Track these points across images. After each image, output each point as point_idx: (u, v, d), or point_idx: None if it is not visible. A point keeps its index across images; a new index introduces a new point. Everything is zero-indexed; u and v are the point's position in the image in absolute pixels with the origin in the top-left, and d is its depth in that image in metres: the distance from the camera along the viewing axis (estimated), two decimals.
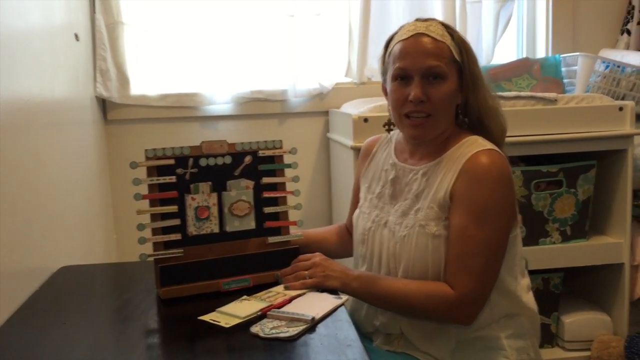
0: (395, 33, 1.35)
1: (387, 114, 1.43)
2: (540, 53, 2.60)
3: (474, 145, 1.29)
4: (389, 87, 1.35)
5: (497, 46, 2.50)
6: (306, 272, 1.29)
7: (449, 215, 1.27)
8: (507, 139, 1.37)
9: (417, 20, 1.34)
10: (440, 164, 1.31)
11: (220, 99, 2.33)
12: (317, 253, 1.34)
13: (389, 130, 1.46)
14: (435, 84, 1.28)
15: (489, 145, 1.29)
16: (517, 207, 1.33)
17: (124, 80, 2.26)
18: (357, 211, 1.47)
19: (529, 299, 1.36)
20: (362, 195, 1.47)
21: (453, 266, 1.24)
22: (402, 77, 1.31)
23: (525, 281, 1.37)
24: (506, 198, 1.26)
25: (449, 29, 1.32)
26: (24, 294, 1.31)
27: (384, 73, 1.39)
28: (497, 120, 1.35)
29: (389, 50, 1.35)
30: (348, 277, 1.29)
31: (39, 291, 1.36)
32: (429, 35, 1.29)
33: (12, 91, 1.35)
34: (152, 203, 1.27)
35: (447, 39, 1.30)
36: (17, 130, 1.36)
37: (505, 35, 2.53)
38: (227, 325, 1.11)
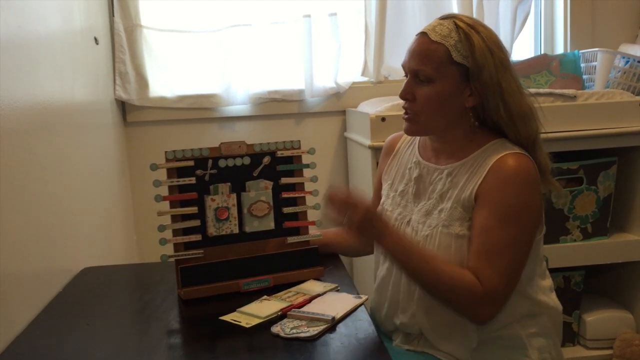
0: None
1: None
2: (559, 49, 2.58)
3: (502, 148, 1.28)
4: None
5: (515, 43, 2.48)
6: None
7: (473, 214, 1.26)
8: None
9: (440, 17, 1.33)
10: (466, 165, 1.30)
11: (237, 99, 2.34)
12: (366, 202, 1.26)
13: None
14: (422, 86, 1.29)
15: (516, 148, 1.28)
16: (543, 212, 1.32)
17: (142, 82, 2.28)
18: (379, 208, 1.46)
19: (551, 298, 1.35)
20: (384, 192, 1.47)
21: (477, 263, 1.22)
22: (404, 73, 1.35)
23: (547, 282, 1.36)
24: (532, 202, 1.26)
25: (464, 29, 1.27)
26: (48, 296, 1.33)
27: None
28: (524, 126, 1.30)
29: None
30: (384, 236, 1.24)
31: (61, 293, 1.38)
32: (427, 36, 1.28)
33: (34, 95, 1.37)
34: (172, 204, 1.28)
35: (450, 40, 1.26)
36: (39, 133, 1.38)
37: (523, 31, 2.51)
38: (248, 325, 1.12)
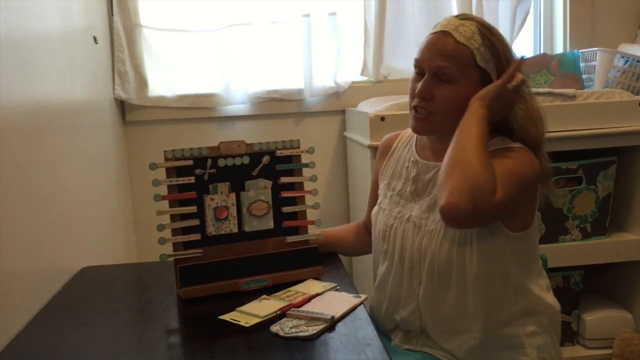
0: (437, 24, 1.35)
1: (404, 112, 1.43)
2: (558, 49, 2.58)
3: (502, 143, 1.29)
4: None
5: (514, 42, 2.48)
6: None
7: None
8: None
9: (457, 16, 1.33)
10: None
11: (237, 99, 2.34)
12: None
13: None
14: (443, 85, 1.28)
15: (518, 144, 1.28)
16: (536, 210, 1.32)
17: (142, 82, 2.28)
18: (376, 207, 1.46)
19: (549, 297, 1.35)
20: (381, 191, 1.47)
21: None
22: (418, 70, 1.32)
23: (544, 281, 1.36)
24: (532, 178, 1.25)
25: (485, 33, 1.28)
26: (47, 295, 1.33)
27: None
28: (534, 128, 1.31)
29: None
30: (480, 105, 1.24)
31: (61, 292, 1.38)
32: (452, 36, 1.27)
33: (33, 94, 1.37)
34: (172, 204, 1.28)
35: (475, 43, 1.26)
36: (37, 133, 1.38)
37: (522, 31, 2.51)
38: (247, 325, 1.12)
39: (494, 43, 1.28)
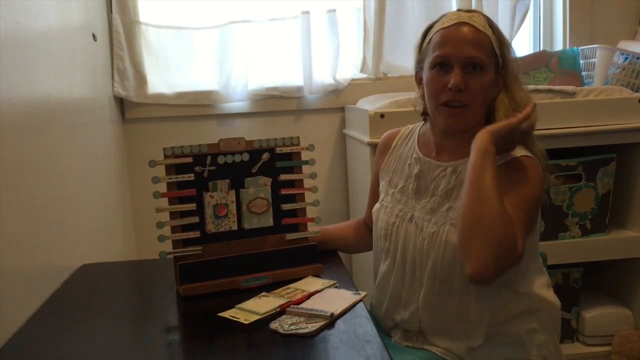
0: (436, 22, 1.34)
1: (403, 109, 1.42)
2: (558, 46, 2.57)
3: (507, 154, 1.28)
4: (425, 75, 1.33)
5: (514, 40, 2.48)
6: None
7: None
8: None
9: (460, 10, 1.34)
10: None
11: (236, 96, 2.34)
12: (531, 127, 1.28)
13: (425, 120, 1.44)
14: (475, 74, 1.28)
15: (521, 151, 1.28)
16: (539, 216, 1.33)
17: (141, 79, 2.28)
18: (377, 205, 1.46)
19: (549, 294, 1.35)
20: (382, 189, 1.47)
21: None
22: (441, 65, 1.30)
23: (544, 279, 1.36)
24: (537, 202, 1.26)
25: (491, 23, 1.32)
26: (46, 292, 1.33)
27: (420, 61, 1.37)
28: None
29: (427, 38, 1.35)
30: (490, 141, 1.22)
31: (60, 289, 1.37)
32: (471, 25, 1.28)
33: (31, 91, 1.36)
34: (171, 201, 1.28)
35: (489, 31, 1.29)
36: (36, 130, 1.38)
37: (522, 28, 2.50)
38: (247, 322, 1.12)
39: (499, 33, 1.32)
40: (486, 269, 1.14)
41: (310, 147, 1.38)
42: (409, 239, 1.34)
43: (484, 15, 1.33)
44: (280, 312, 1.15)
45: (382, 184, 1.47)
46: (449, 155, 1.34)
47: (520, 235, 1.18)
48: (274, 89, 2.38)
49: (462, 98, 1.28)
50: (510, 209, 1.18)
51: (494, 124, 1.26)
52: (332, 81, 2.39)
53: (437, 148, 1.37)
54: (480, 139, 1.22)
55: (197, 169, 1.29)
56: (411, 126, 1.48)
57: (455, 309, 1.29)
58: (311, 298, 1.21)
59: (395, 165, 1.45)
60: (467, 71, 1.27)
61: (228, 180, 1.31)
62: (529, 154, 1.28)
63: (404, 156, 1.44)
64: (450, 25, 1.30)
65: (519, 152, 1.29)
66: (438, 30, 1.31)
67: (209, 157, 1.30)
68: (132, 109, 2.32)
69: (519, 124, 1.25)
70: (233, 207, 1.31)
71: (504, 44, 1.32)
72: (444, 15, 1.34)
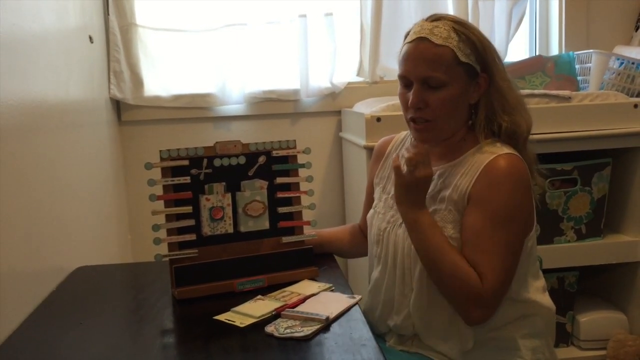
0: (410, 30, 1.34)
1: (399, 113, 1.42)
2: (554, 50, 2.58)
3: (493, 148, 1.28)
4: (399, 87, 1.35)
5: (510, 44, 2.48)
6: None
7: (464, 214, 1.26)
8: None
9: (427, 19, 1.31)
10: (457, 167, 1.30)
11: (232, 99, 2.34)
12: (429, 175, 1.27)
13: None
14: (434, 91, 1.27)
15: (507, 149, 1.28)
16: (535, 213, 1.33)
17: (137, 81, 2.28)
18: (371, 211, 1.46)
19: (544, 298, 1.35)
20: (376, 195, 1.47)
21: (473, 261, 1.22)
22: (404, 83, 1.31)
23: (540, 282, 1.36)
24: (523, 203, 1.26)
25: (458, 29, 1.27)
26: (41, 295, 1.32)
27: None
28: (522, 116, 1.32)
29: (401, 48, 1.35)
30: (413, 211, 1.26)
31: (55, 292, 1.37)
32: (429, 40, 1.26)
33: (28, 93, 1.36)
34: (167, 204, 1.28)
35: (452, 41, 1.26)
36: (32, 132, 1.37)
37: (518, 32, 2.51)
38: (242, 325, 1.11)
39: (469, 37, 1.28)
40: (469, 316, 1.24)
41: (307, 150, 1.38)
42: (398, 244, 1.34)
43: (452, 22, 1.28)
44: (276, 315, 1.15)
45: (376, 190, 1.48)
46: (436, 160, 1.34)
47: (491, 266, 1.21)
48: (271, 92, 2.38)
49: (423, 115, 1.28)
50: (482, 238, 1.22)
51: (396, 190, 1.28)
52: (328, 84, 2.40)
53: None
54: (402, 218, 1.29)
55: (193, 171, 1.29)
56: (405, 132, 1.49)
57: (446, 311, 1.29)
58: (307, 301, 1.21)
59: (388, 171, 1.46)
60: (426, 88, 1.27)
61: (224, 183, 1.31)
62: (512, 152, 1.28)
63: None
64: (412, 41, 1.29)
65: (502, 149, 1.28)
66: (404, 44, 1.32)
67: (205, 160, 1.30)
68: (129, 111, 2.32)
69: (402, 176, 1.26)
70: (229, 210, 1.31)
71: (480, 46, 1.28)
72: (415, 24, 1.33)
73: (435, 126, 1.29)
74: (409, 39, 1.31)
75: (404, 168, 1.26)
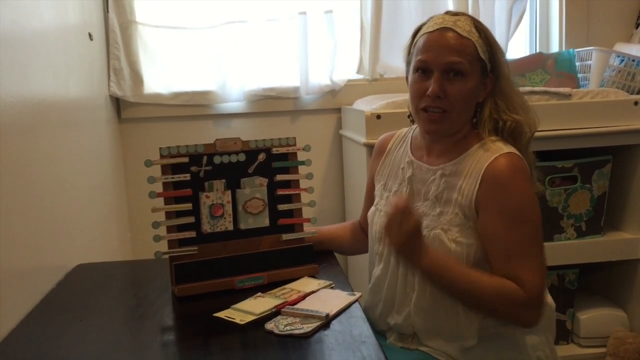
0: (424, 24, 1.34)
1: (400, 110, 1.43)
2: (554, 48, 2.58)
3: (493, 147, 1.28)
4: (410, 78, 1.34)
5: (510, 41, 2.48)
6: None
7: (480, 223, 1.26)
8: None
9: (447, 13, 1.33)
10: (459, 166, 1.30)
11: (232, 96, 2.34)
12: (417, 224, 1.22)
13: (412, 122, 1.44)
14: (455, 81, 1.27)
15: (506, 148, 1.28)
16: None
17: (137, 79, 2.28)
18: (372, 208, 1.46)
19: (545, 296, 1.35)
20: (377, 193, 1.47)
21: (510, 269, 1.22)
22: (423, 70, 1.30)
23: None
24: (532, 195, 1.27)
25: (478, 26, 1.30)
26: (41, 292, 1.32)
27: (408, 63, 1.37)
28: (527, 116, 1.33)
29: (414, 41, 1.35)
30: (417, 262, 1.24)
31: (55, 289, 1.37)
32: (454, 31, 1.27)
33: (27, 90, 1.36)
34: (167, 201, 1.28)
35: (474, 36, 1.28)
36: (32, 130, 1.37)
37: (518, 30, 2.51)
38: (242, 322, 1.11)
39: (487, 35, 1.31)
40: (524, 322, 1.26)
41: (307, 148, 1.38)
42: None
43: (471, 18, 1.31)
44: (276, 312, 1.15)
45: (377, 187, 1.47)
46: (438, 158, 1.34)
47: (527, 268, 1.21)
48: (271, 89, 2.38)
49: (441, 104, 1.28)
50: (508, 244, 1.23)
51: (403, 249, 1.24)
52: (328, 82, 2.39)
53: (427, 151, 1.38)
54: (417, 271, 1.28)
55: (193, 169, 1.29)
56: (406, 129, 1.48)
57: (447, 311, 1.29)
58: (307, 298, 1.21)
59: (389, 169, 1.45)
60: (447, 77, 1.27)
61: (224, 181, 1.31)
62: (513, 151, 1.28)
63: (397, 160, 1.44)
64: (434, 30, 1.29)
65: (503, 148, 1.28)
66: (423, 34, 1.32)
67: (205, 157, 1.30)
68: (128, 109, 2.32)
69: (403, 230, 1.21)
70: (229, 208, 1.31)
71: (493, 47, 1.31)
72: (431, 18, 1.34)
73: (449, 117, 1.29)
74: (430, 28, 1.31)
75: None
